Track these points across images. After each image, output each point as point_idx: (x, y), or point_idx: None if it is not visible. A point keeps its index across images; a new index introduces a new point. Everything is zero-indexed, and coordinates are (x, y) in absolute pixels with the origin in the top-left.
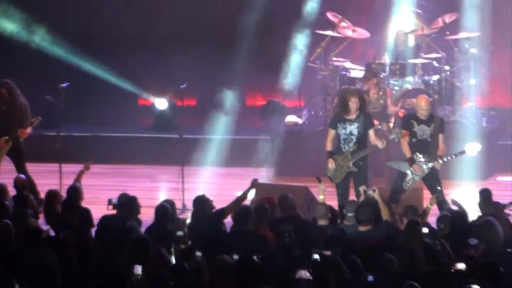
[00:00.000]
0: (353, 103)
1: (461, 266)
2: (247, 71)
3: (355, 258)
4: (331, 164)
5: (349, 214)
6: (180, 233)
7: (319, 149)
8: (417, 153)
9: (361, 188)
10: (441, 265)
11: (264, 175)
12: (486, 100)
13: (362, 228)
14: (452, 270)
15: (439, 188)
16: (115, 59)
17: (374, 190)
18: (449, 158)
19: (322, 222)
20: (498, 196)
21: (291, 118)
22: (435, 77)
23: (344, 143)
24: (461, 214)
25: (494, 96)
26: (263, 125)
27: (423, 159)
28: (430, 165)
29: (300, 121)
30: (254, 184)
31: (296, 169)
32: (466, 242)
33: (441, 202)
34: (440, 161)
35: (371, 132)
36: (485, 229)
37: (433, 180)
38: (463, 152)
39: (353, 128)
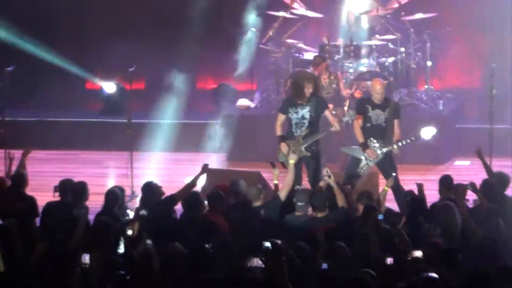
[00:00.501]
0: (308, 89)
1: (418, 253)
2: (197, 54)
3: (304, 245)
4: (284, 148)
5: (299, 204)
6: (143, 212)
7: (271, 134)
8: (371, 138)
9: (324, 171)
10: (397, 253)
11: (215, 160)
12: (443, 82)
13: (317, 215)
14: (409, 258)
15: (394, 174)
16: (62, 42)
17: (329, 176)
18: (405, 142)
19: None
20: (456, 181)
21: (243, 102)
22: (391, 59)
23: (296, 127)
24: (419, 199)
25: (451, 78)
26: (214, 108)
27: (377, 144)
28: (384, 150)
29: (252, 104)
30: (205, 169)
31: (248, 154)
32: (424, 228)
33: (396, 188)
34: (396, 146)
35: (327, 113)
36: (442, 213)
37: (387, 166)
38: (419, 137)
39: (305, 112)
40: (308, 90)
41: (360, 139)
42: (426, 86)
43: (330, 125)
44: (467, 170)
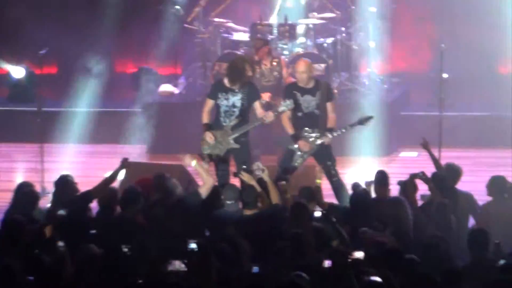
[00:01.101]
0: (248, 74)
1: (359, 254)
2: (115, 34)
3: (226, 247)
4: (209, 138)
5: (228, 202)
6: (61, 212)
7: (197, 122)
8: (306, 128)
9: (255, 165)
10: (336, 254)
11: (135, 152)
12: (387, 66)
13: (248, 212)
14: (349, 260)
15: (329, 163)
16: None
17: (263, 170)
18: (341, 131)
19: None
20: (402, 174)
21: (166, 88)
22: (330, 40)
23: (225, 116)
24: (363, 194)
25: (397, 60)
26: (134, 95)
27: (312, 134)
28: (319, 141)
29: (176, 90)
30: (125, 164)
31: (171, 145)
32: (368, 226)
33: (336, 182)
34: (330, 135)
35: (257, 104)
36: (393, 209)
37: (324, 157)
38: (356, 124)
39: (236, 99)
40: (248, 75)
41: (290, 130)
42: (369, 70)
43: (259, 117)
44: (414, 162)
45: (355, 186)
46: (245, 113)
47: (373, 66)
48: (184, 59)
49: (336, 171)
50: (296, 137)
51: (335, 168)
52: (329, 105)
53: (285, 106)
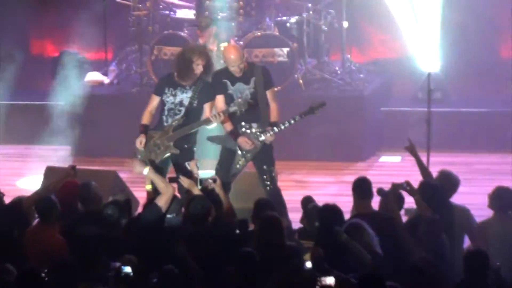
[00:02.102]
0: (198, 66)
1: (330, 281)
2: (32, 11)
3: (172, 269)
4: (139, 143)
5: (169, 216)
6: None
7: (133, 118)
8: (243, 123)
9: (192, 163)
10: (303, 280)
11: (57, 155)
12: (365, 51)
13: (194, 228)
14: (318, 287)
15: (265, 167)
16: None
17: (214, 180)
18: (288, 123)
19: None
20: (382, 184)
21: (93, 76)
22: (294, 19)
23: (168, 114)
24: (333, 210)
25: (375, 45)
26: (55, 85)
27: (256, 130)
28: (263, 137)
29: (106, 79)
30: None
31: (101, 146)
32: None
33: (273, 192)
34: (270, 132)
35: (206, 107)
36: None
37: (261, 159)
38: (307, 113)
39: (185, 97)
40: (198, 68)
41: (228, 126)
42: (342, 56)
43: (205, 118)
44: (397, 169)
45: (306, 200)
46: (192, 114)
47: (347, 51)
48: (116, 41)
49: (272, 179)
50: (235, 133)
51: (271, 175)
52: (269, 94)
53: (237, 105)
